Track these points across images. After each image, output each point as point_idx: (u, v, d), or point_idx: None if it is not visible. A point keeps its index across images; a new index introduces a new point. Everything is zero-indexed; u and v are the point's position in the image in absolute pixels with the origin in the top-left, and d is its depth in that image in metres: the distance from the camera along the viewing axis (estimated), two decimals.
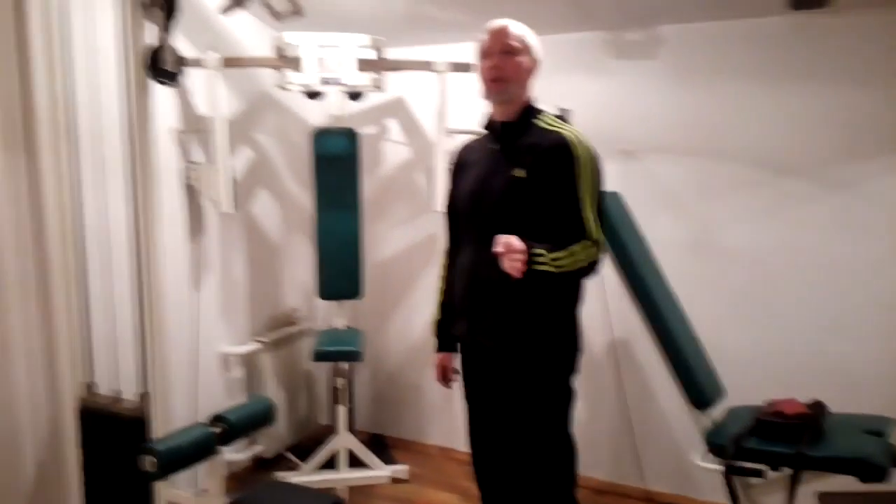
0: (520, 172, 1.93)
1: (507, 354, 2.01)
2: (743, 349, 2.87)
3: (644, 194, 2.96)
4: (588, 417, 3.25)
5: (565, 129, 1.96)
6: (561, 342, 2.04)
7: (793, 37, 2.71)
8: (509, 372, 2.02)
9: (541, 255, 1.79)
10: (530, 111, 2.01)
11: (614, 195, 2.66)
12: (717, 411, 2.41)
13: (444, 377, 2.30)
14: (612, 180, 2.95)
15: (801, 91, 2.74)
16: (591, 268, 1.92)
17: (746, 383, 2.62)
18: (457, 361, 2.24)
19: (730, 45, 2.82)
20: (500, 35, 1.96)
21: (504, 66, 1.94)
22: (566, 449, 2.13)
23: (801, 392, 2.31)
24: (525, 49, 1.98)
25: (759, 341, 2.87)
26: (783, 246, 2.82)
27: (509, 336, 2.00)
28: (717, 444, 2.25)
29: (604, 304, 2.86)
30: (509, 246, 1.76)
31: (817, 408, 2.23)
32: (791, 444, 2.11)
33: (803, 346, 2.80)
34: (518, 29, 1.98)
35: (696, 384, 2.35)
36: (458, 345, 2.23)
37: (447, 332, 2.24)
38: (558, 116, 2.05)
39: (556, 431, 2.08)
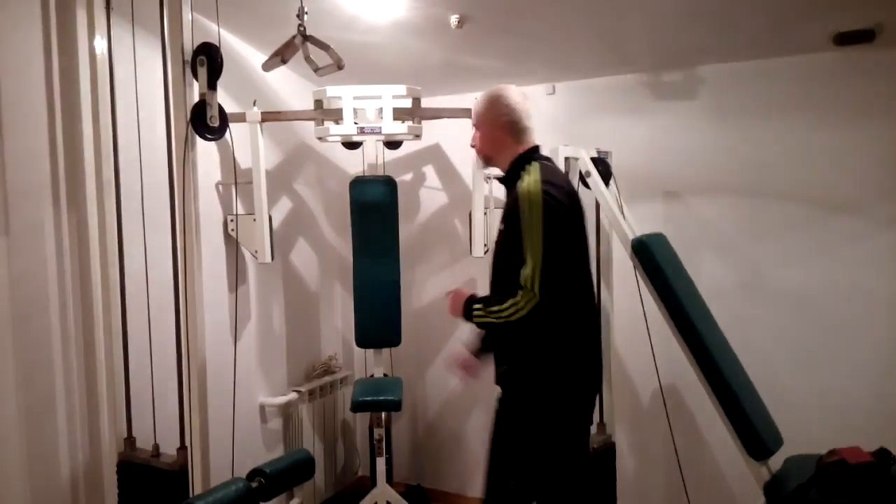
0: (501, 226, 2.08)
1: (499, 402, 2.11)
2: (799, 394, 2.75)
3: (689, 235, 2.91)
4: (636, 468, 3.13)
5: (525, 180, 1.98)
6: (539, 390, 2.01)
7: (839, 73, 2.67)
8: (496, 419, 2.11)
9: (478, 308, 2.01)
10: (518, 165, 2.07)
11: (659, 237, 2.61)
12: (775, 461, 2.30)
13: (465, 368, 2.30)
14: (656, 222, 2.95)
15: (848, 127, 2.68)
16: (529, 316, 1.91)
17: (804, 431, 2.50)
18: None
19: (773, 82, 2.79)
20: (473, 112, 2.18)
21: (475, 139, 2.16)
22: None
23: (862, 439, 2.19)
24: (481, 121, 2.12)
25: (816, 386, 2.76)
26: (836, 285, 2.73)
27: (500, 382, 2.10)
28: (776, 496, 2.14)
29: (650, 348, 2.78)
30: (452, 295, 2.08)
31: (883, 456, 2.09)
32: (856, 496, 2.00)
33: (863, 390, 2.68)
34: (479, 105, 2.13)
35: (753, 432, 2.25)
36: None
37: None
38: (546, 162, 2.08)
39: (510, 477, 2.09)
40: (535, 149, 2.11)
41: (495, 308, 1.96)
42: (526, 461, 2.06)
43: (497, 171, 2.19)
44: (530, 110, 2.11)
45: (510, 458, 2.09)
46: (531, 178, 1.97)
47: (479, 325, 2.06)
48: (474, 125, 2.16)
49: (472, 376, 2.21)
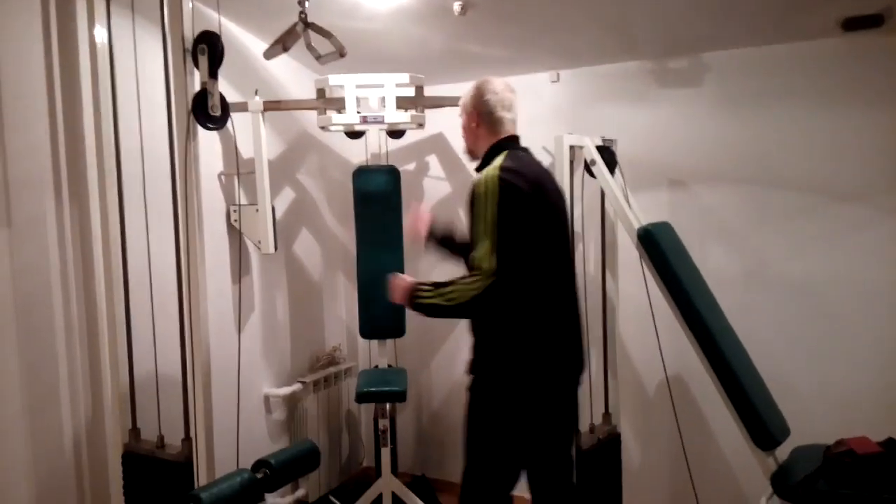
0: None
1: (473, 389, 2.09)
2: (806, 384, 2.74)
3: (695, 224, 2.89)
4: (642, 459, 3.13)
5: (486, 170, 1.98)
6: (499, 372, 2.01)
7: (846, 59, 2.63)
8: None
9: (427, 290, 1.96)
10: (490, 155, 2.08)
11: (665, 225, 2.59)
12: (782, 451, 2.29)
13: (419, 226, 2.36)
14: (661, 210, 2.93)
15: (855, 114, 2.65)
16: (482, 297, 1.87)
17: (811, 421, 2.50)
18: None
19: (779, 69, 2.76)
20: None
21: (463, 135, 2.20)
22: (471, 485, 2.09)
23: (870, 429, 2.19)
24: (461, 112, 2.16)
25: (822, 375, 2.74)
26: (843, 275, 2.70)
27: (470, 370, 2.08)
28: (783, 486, 2.13)
29: (655, 338, 2.76)
30: (392, 281, 2.06)
31: (891, 446, 2.09)
32: (864, 487, 1.99)
33: (870, 380, 2.66)
34: (463, 97, 2.16)
35: (760, 422, 2.24)
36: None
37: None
38: (517, 150, 2.08)
39: (469, 463, 2.08)
40: (510, 138, 2.10)
41: (445, 289, 1.92)
42: (491, 447, 2.05)
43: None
44: (509, 102, 2.11)
45: (478, 445, 2.07)
46: (492, 166, 1.97)
47: (424, 307, 1.96)
48: (461, 115, 2.17)
49: (400, 299, 2.06)
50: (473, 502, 2.10)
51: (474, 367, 2.06)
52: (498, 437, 2.03)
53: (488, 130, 2.10)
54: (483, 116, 2.10)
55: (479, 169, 2.11)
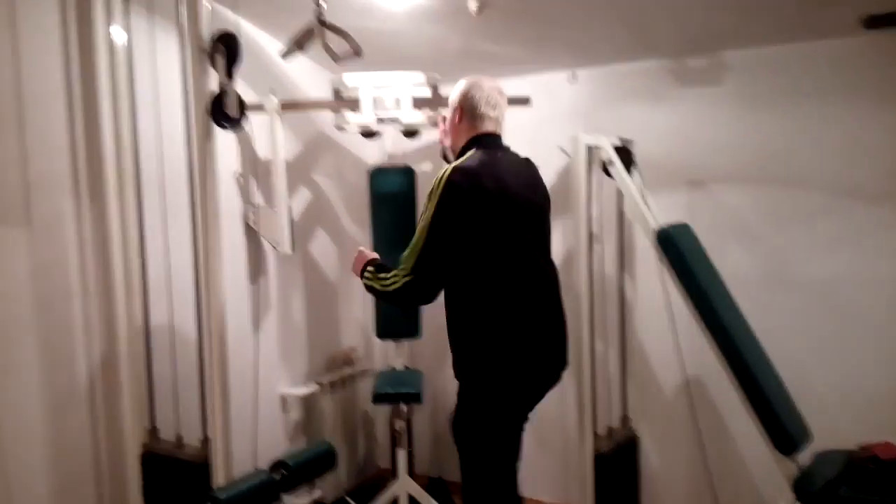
0: None
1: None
2: (828, 387, 2.70)
3: (714, 225, 2.85)
4: (660, 462, 3.10)
5: (445, 167, 1.99)
6: (466, 375, 2.05)
7: (867, 57, 2.59)
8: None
9: (370, 270, 2.04)
10: (461, 154, 2.09)
11: (683, 226, 2.56)
12: (804, 456, 2.25)
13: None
14: (679, 211, 2.89)
15: (876, 113, 2.60)
16: (400, 293, 1.96)
17: (834, 425, 2.45)
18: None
19: (799, 68, 2.72)
20: None
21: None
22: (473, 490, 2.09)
23: (892, 434, 2.14)
24: (449, 108, 2.15)
25: (845, 378, 2.69)
26: (866, 276, 2.66)
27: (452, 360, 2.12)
28: (805, 492, 2.10)
29: (674, 340, 2.73)
30: (357, 253, 2.14)
31: None
32: (889, 493, 1.95)
33: (892, 383, 2.61)
34: (450, 95, 2.17)
35: (781, 426, 2.21)
36: None
37: None
38: (489, 149, 2.07)
39: (464, 462, 2.10)
40: (487, 135, 2.09)
41: (382, 275, 2.01)
42: (464, 445, 2.10)
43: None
44: (495, 100, 2.10)
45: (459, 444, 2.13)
46: (451, 167, 1.97)
47: (365, 286, 2.07)
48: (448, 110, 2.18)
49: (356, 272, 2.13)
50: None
51: (455, 370, 2.11)
52: (479, 438, 2.06)
53: (469, 126, 2.10)
54: (466, 112, 2.09)
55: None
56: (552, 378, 2.12)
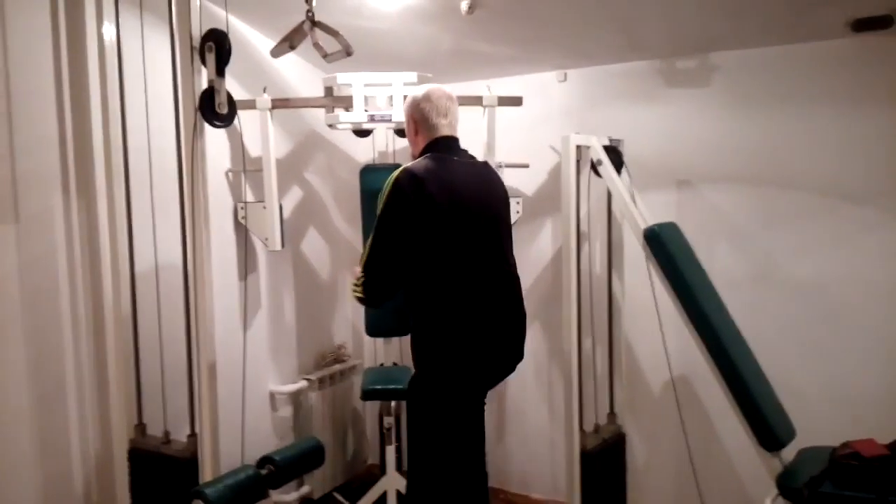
0: None
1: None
2: (813, 385, 2.72)
3: (702, 225, 2.87)
4: (646, 459, 3.12)
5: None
6: (419, 364, 2.16)
7: (855, 60, 2.61)
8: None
9: (355, 283, 2.12)
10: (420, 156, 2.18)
11: (671, 225, 2.59)
12: (788, 452, 2.28)
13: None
14: (668, 210, 2.92)
15: (864, 115, 2.63)
16: (364, 292, 2.09)
17: (818, 422, 2.48)
18: None
19: (787, 69, 2.74)
20: None
21: None
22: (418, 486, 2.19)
23: (877, 431, 2.17)
24: (406, 121, 2.24)
25: (830, 377, 2.72)
26: (852, 277, 2.68)
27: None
28: (789, 488, 2.12)
29: (661, 338, 2.76)
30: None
31: None
32: (871, 490, 1.98)
33: (878, 382, 2.64)
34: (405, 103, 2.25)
35: (766, 424, 2.23)
36: None
37: None
38: (440, 153, 2.15)
39: (412, 457, 2.20)
40: (441, 139, 2.17)
41: (356, 282, 2.12)
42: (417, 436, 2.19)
43: None
44: (445, 108, 2.18)
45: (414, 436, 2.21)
46: (400, 169, 2.05)
47: (357, 298, 2.15)
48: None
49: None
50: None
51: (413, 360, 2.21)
52: (429, 420, 2.16)
53: (424, 136, 2.18)
54: (419, 123, 2.18)
55: None
56: (501, 370, 2.23)
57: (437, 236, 2.03)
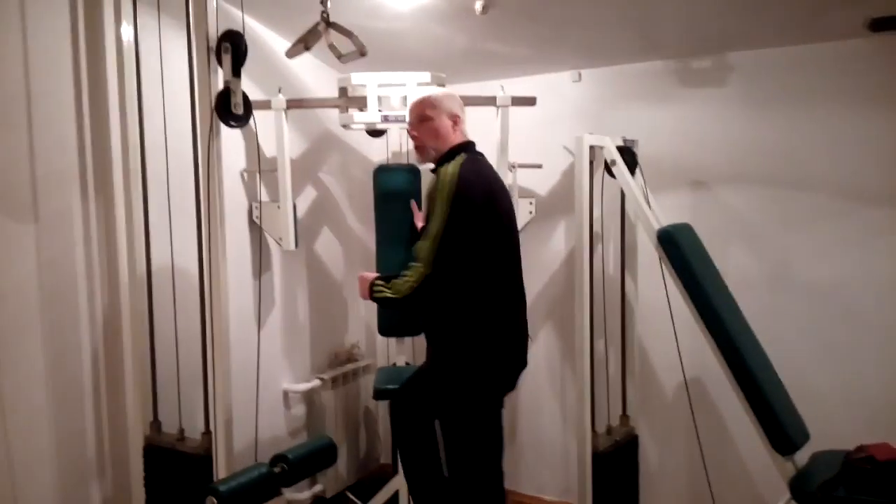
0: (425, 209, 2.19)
1: (431, 370, 2.27)
2: (827, 389, 2.70)
3: (716, 226, 2.86)
4: (660, 461, 3.11)
5: (446, 166, 2.12)
6: (445, 368, 2.18)
7: (872, 60, 2.59)
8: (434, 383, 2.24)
9: (379, 283, 2.12)
10: (448, 155, 2.19)
11: (685, 226, 2.57)
12: (801, 456, 2.26)
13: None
14: (682, 212, 2.90)
15: (881, 116, 2.60)
16: (420, 288, 2.04)
17: (832, 425, 2.47)
18: None
19: (804, 69, 2.72)
20: (413, 108, 2.27)
21: (420, 134, 2.25)
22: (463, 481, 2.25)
23: (892, 435, 2.16)
24: (438, 113, 2.22)
25: (844, 380, 2.70)
26: (867, 279, 2.66)
27: (428, 356, 2.28)
28: (802, 492, 2.11)
29: (675, 340, 2.74)
30: (359, 278, 2.21)
31: None
32: (885, 494, 1.96)
33: (893, 385, 2.62)
34: (431, 98, 2.24)
35: (779, 427, 2.22)
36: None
37: None
38: (474, 155, 2.21)
39: (451, 451, 2.26)
40: (470, 143, 2.25)
41: (392, 282, 2.09)
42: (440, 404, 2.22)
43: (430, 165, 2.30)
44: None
45: (427, 391, 2.26)
46: (453, 164, 2.10)
47: (380, 301, 2.14)
48: (428, 117, 2.22)
49: (366, 294, 2.20)
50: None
51: (436, 361, 2.24)
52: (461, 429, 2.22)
53: (454, 131, 2.23)
54: (458, 119, 2.24)
55: (437, 166, 2.21)
56: (517, 377, 2.28)
57: (490, 240, 2.11)
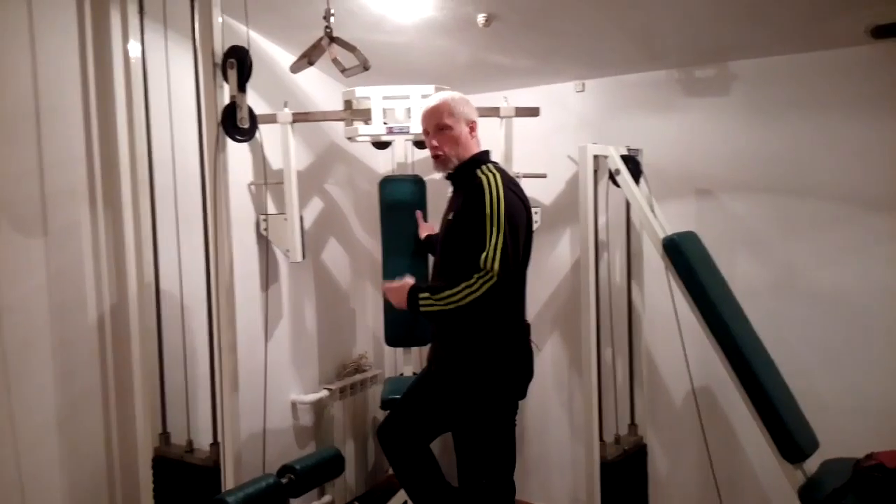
0: (450, 216, 2.18)
1: (440, 378, 2.23)
2: (836, 396, 2.68)
3: (722, 234, 2.86)
4: (668, 470, 3.09)
5: (485, 175, 2.10)
6: (471, 374, 2.14)
7: (875, 67, 2.59)
8: (442, 394, 2.22)
9: (425, 297, 2.07)
10: (472, 163, 2.19)
11: (691, 235, 2.58)
12: (811, 464, 2.25)
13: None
14: (687, 220, 2.91)
15: (885, 123, 2.60)
16: (485, 296, 1.99)
17: (842, 433, 2.45)
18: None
19: (807, 77, 2.72)
20: (430, 117, 2.22)
21: (440, 144, 2.20)
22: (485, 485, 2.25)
23: None
24: (456, 120, 2.19)
25: (853, 387, 2.68)
26: (873, 285, 2.65)
27: (440, 362, 2.24)
28: (812, 500, 2.10)
29: (681, 349, 2.74)
30: (388, 288, 2.21)
31: None
32: (895, 502, 1.94)
33: None
34: (449, 105, 2.20)
35: (787, 435, 2.21)
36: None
37: None
38: (496, 164, 2.22)
39: (471, 461, 2.27)
40: (487, 152, 2.26)
41: (446, 294, 2.02)
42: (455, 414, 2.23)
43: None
44: None
45: (414, 411, 2.31)
46: (490, 174, 2.10)
47: (426, 314, 2.11)
48: (447, 125, 2.19)
49: (402, 304, 2.17)
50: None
51: (447, 359, 2.20)
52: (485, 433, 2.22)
53: (472, 137, 2.23)
54: (470, 124, 2.23)
55: (454, 175, 2.23)
56: (527, 384, 2.30)
57: (525, 253, 2.17)
